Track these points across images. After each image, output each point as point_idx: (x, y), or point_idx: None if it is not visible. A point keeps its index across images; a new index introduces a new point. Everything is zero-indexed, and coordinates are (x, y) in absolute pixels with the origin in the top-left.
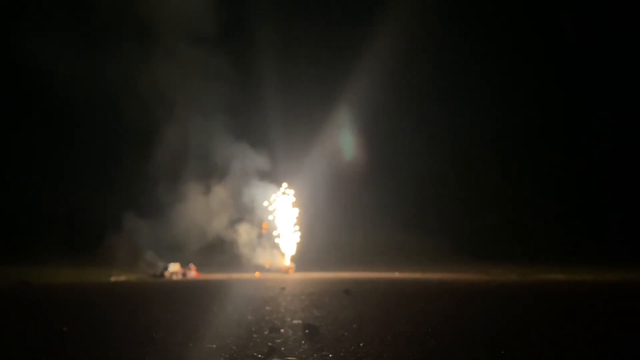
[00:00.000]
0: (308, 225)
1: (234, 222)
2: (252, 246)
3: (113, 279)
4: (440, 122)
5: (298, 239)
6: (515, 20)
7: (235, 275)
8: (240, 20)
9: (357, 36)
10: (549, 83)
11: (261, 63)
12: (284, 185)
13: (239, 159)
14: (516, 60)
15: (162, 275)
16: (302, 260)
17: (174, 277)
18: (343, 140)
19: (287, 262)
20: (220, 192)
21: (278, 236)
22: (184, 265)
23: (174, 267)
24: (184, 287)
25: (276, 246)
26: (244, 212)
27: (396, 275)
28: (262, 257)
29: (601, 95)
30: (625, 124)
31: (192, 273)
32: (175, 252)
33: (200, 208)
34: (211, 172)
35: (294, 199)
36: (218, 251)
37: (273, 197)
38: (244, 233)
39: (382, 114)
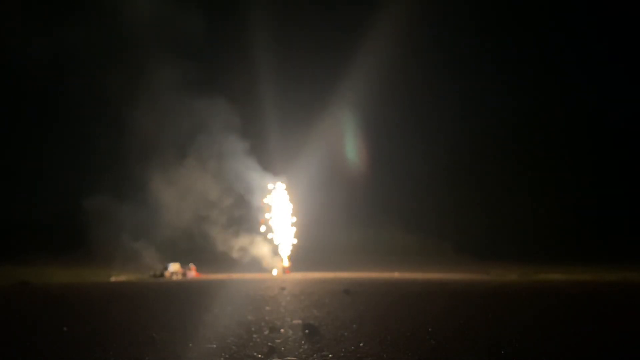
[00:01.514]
0: (307, 225)
1: (227, 217)
2: (246, 243)
3: (113, 279)
4: (441, 122)
5: (295, 239)
6: (519, 18)
7: (235, 275)
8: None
9: (359, 33)
10: (550, 84)
11: (260, 64)
12: (281, 182)
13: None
14: (518, 60)
15: (162, 275)
16: (301, 260)
17: (174, 277)
18: (343, 139)
19: (285, 262)
20: (206, 178)
21: (274, 234)
22: (184, 265)
23: (174, 267)
24: (184, 287)
25: (273, 245)
26: (237, 204)
27: (396, 275)
28: (258, 255)
29: (601, 97)
30: (627, 124)
31: (192, 273)
32: (165, 248)
33: (183, 196)
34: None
35: (290, 197)
36: (205, 249)
37: (269, 187)
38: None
39: (384, 113)
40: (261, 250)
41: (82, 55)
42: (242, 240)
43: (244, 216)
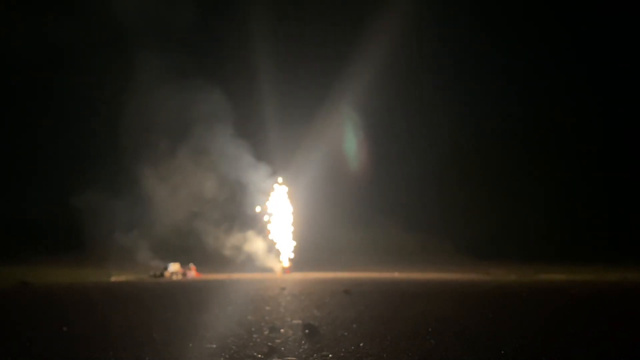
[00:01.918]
0: (307, 225)
1: (224, 215)
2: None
3: (113, 279)
4: (441, 121)
5: (295, 238)
6: (517, 18)
7: (235, 275)
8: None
9: (358, 33)
10: (550, 84)
11: (259, 60)
12: (281, 181)
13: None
14: (517, 59)
15: (162, 275)
16: (301, 260)
17: (174, 277)
18: (343, 139)
19: (285, 262)
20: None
21: (274, 234)
22: (184, 265)
23: (174, 267)
24: (184, 287)
25: (273, 245)
26: (237, 203)
27: (396, 275)
28: (257, 256)
29: (601, 97)
30: (627, 124)
31: (192, 273)
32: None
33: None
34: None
35: (290, 197)
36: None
37: (268, 187)
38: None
39: (383, 113)
40: (260, 249)
41: (72, 50)
42: (241, 240)
43: (243, 216)
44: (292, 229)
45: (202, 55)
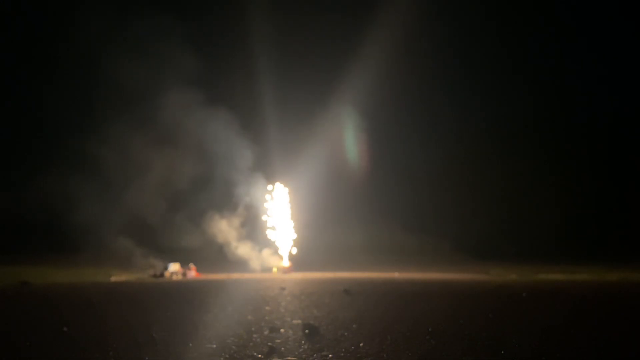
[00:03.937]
0: (306, 224)
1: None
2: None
3: (113, 279)
4: (441, 121)
5: (295, 238)
6: (516, 17)
7: (235, 275)
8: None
9: (358, 33)
10: (548, 83)
11: (258, 59)
12: (281, 181)
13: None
14: (517, 58)
15: (162, 275)
16: (301, 260)
17: (174, 277)
18: (344, 138)
19: (285, 262)
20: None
21: (274, 234)
22: (184, 265)
23: (174, 267)
24: (184, 287)
25: (272, 244)
26: (237, 204)
27: (396, 275)
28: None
29: (601, 97)
30: (627, 124)
31: (192, 273)
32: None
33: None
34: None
35: (290, 197)
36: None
37: (265, 188)
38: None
39: (383, 113)
40: (259, 250)
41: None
42: (241, 240)
43: (243, 216)
44: (292, 228)
45: (199, 54)
